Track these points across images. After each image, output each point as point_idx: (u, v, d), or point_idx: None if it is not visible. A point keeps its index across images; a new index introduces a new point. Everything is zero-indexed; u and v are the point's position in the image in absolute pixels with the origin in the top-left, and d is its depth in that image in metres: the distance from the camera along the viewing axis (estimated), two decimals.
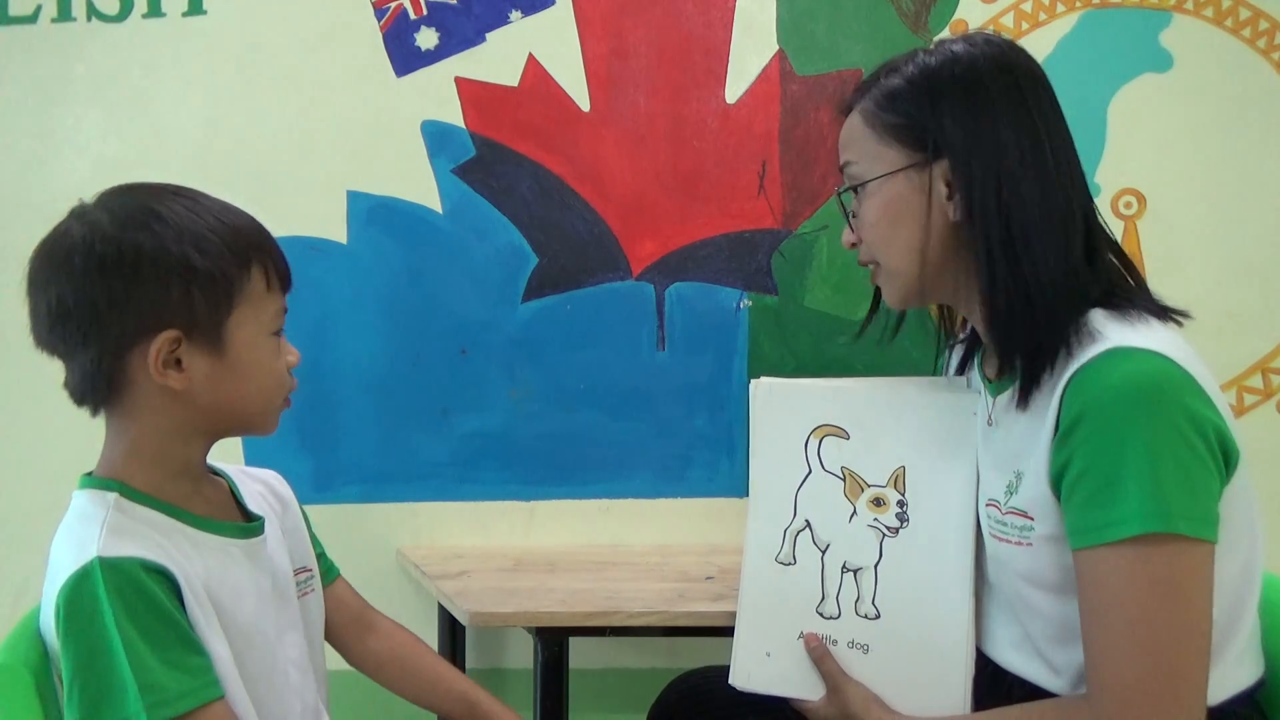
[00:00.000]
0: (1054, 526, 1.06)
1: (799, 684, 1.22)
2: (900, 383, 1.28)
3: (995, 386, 1.18)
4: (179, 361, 1.00)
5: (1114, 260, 1.15)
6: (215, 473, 1.13)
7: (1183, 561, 0.98)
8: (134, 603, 0.92)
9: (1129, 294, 1.12)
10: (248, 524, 1.10)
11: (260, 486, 1.18)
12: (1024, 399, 1.10)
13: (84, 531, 0.96)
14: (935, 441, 1.21)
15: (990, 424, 1.18)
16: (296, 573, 1.15)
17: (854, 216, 1.21)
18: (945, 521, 1.19)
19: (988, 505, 1.16)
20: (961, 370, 1.29)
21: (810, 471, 1.25)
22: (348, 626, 1.28)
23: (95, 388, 1.01)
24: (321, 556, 1.26)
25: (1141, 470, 0.98)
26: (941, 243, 1.14)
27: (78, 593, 0.92)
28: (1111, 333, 1.05)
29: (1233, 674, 1.08)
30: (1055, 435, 1.05)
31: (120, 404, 1.02)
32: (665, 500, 2.03)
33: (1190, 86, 1.99)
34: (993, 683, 1.17)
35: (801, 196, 2.01)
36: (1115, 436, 0.99)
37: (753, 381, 1.29)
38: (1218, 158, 1.99)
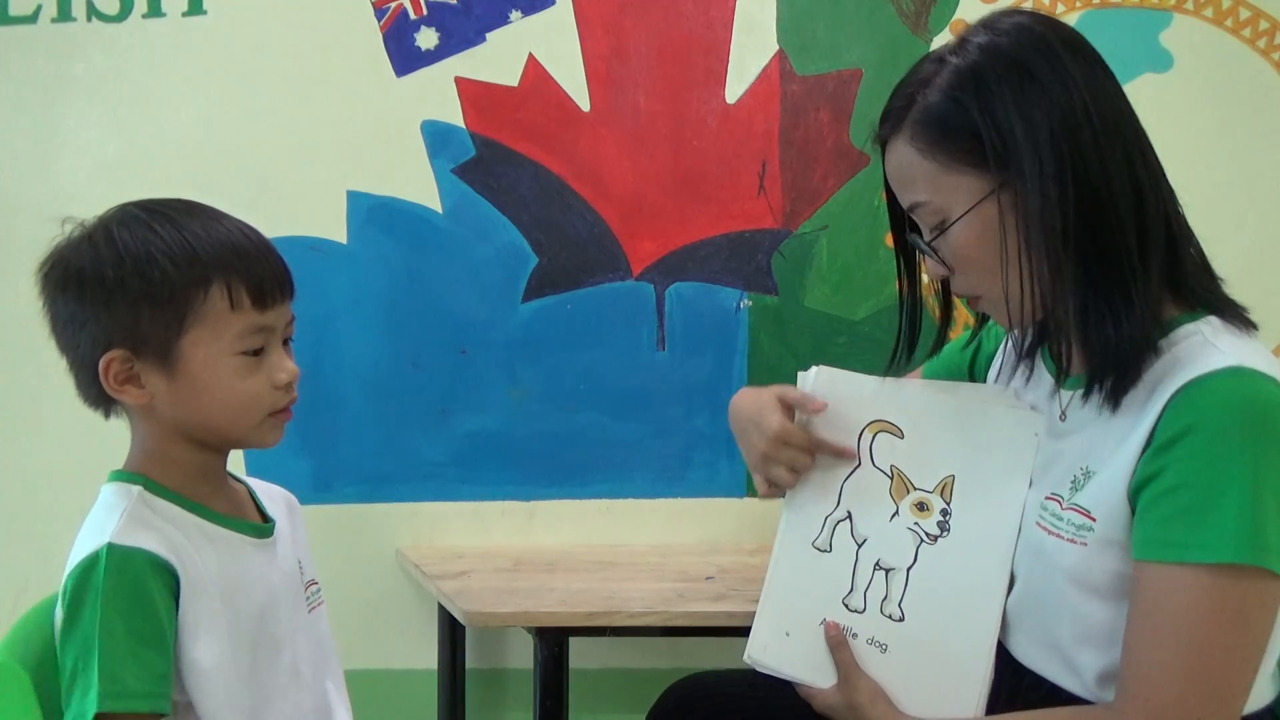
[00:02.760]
0: (1115, 531, 1.03)
1: (811, 669, 1.21)
2: (966, 391, 1.26)
3: (1072, 381, 1.13)
4: (140, 378, 1.01)
5: (1193, 253, 1.09)
6: (236, 479, 1.16)
7: (1259, 595, 0.97)
8: (126, 593, 0.95)
9: (1218, 298, 1.08)
10: (263, 524, 1.12)
11: (278, 501, 1.20)
12: (1114, 399, 1.05)
13: (105, 519, 0.99)
14: (991, 457, 1.19)
15: (1063, 419, 1.14)
16: (306, 585, 1.18)
17: (936, 251, 1.12)
18: (986, 540, 1.17)
19: (1048, 499, 1.12)
20: (1031, 356, 1.22)
21: (860, 464, 1.23)
22: None
23: (86, 394, 1.05)
24: None
25: (1245, 499, 0.95)
26: (1039, 251, 1.06)
27: (84, 577, 0.96)
28: (1227, 346, 1.01)
29: (1264, 690, 1.06)
30: (1149, 444, 1.00)
31: (118, 410, 1.06)
32: (665, 500, 2.03)
33: (1190, 86, 1.99)
34: (1008, 679, 1.15)
35: (801, 196, 2.01)
36: (1221, 458, 0.96)
37: (813, 368, 1.24)
38: (1218, 158, 1.99)
